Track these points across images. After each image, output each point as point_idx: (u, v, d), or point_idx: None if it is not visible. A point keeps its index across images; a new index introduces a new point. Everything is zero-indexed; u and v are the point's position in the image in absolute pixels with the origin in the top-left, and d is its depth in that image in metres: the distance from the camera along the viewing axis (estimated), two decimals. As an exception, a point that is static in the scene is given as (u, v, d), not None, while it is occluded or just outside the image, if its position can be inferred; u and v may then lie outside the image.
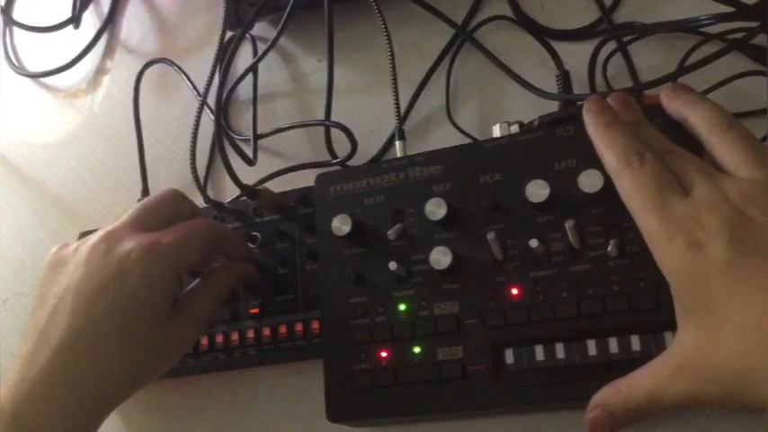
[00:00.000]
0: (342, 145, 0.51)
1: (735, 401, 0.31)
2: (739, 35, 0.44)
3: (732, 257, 0.31)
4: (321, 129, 0.53)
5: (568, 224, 0.38)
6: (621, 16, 0.50)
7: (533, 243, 0.39)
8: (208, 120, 0.57)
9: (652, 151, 0.35)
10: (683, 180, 0.34)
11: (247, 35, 0.60)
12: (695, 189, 0.34)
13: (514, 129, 0.45)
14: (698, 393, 0.32)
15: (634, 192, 0.34)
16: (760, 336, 0.30)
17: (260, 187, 0.50)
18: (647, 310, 0.36)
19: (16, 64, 0.73)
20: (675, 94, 0.38)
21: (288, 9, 0.51)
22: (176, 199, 0.45)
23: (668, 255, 0.33)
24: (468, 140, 0.50)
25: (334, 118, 0.51)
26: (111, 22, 0.70)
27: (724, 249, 0.31)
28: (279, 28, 0.52)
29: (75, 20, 0.69)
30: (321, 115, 0.51)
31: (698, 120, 0.36)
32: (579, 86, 0.48)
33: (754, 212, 0.32)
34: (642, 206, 0.34)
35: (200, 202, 0.52)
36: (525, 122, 0.46)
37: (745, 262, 0.31)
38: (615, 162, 0.35)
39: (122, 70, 0.67)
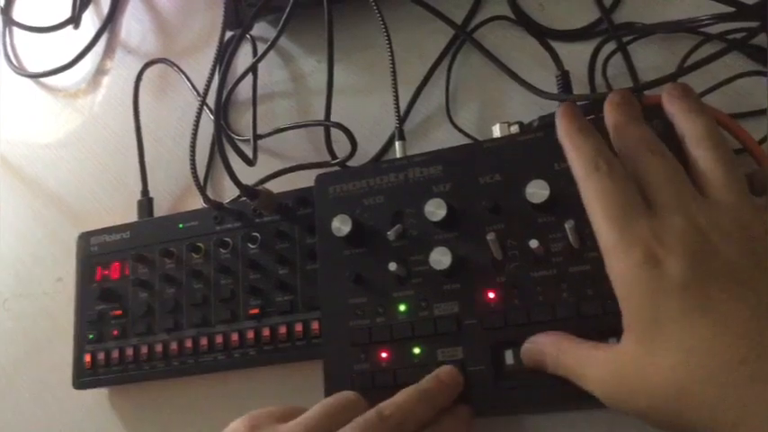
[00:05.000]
0: (341, 145, 0.51)
1: (666, 421, 0.31)
2: (739, 35, 0.44)
3: (688, 280, 0.31)
4: (321, 129, 0.53)
5: (568, 224, 0.38)
6: (621, 16, 0.50)
7: (533, 243, 0.39)
8: (207, 120, 0.57)
9: (622, 162, 0.35)
10: (656, 193, 0.34)
11: (247, 35, 0.60)
12: (664, 206, 0.33)
13: (514, 129, 0.45)
14: (621, 402, 0.33)
15: (598, 197, 0.34)
16: (703, 362, 0.30)
17: (260, 188, 0.50)
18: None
19: (16, 64, 0.73)
20: (674, 96, 0.38)
21: (287, 9, 0.51)
22: (355, 404, 0.39)
23: (622, 264, 0.33)
24: (468, 141, 0.50)
25: (333, 118, 0.51)
26: (110, 22, 0.70)
27: (682, 271, 0.31)
28: (278, 28, 0.52)
29: (74, 20, 0.69)
30: (321, 115, 0.51)
31: (687, 129, 0.36)
32: (579, 87, 0.48)
33: (717, 239, 0.32)
34: (603, 213, 0.34)
35: (199, 202, 0.52)
36: (525, 123, 0.46)
37: (700, 287, 0.31)
38: (582, 166, 0.35)
39: (122, 70, 0.67)
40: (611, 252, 0.34)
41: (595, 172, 0.35)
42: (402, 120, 0.50)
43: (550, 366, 0.36)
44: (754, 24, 0.43)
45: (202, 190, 0.50)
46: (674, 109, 0.38)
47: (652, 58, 0.48)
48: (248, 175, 0.51)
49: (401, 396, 0.38)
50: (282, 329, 0.48)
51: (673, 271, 0.31)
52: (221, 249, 0.51)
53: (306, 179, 0.49)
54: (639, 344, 0.32)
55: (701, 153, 0.35)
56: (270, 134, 0.55)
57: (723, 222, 0.32)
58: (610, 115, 0.38)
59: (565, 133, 0.37)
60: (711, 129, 0.36)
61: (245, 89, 0.59)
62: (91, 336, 0.54)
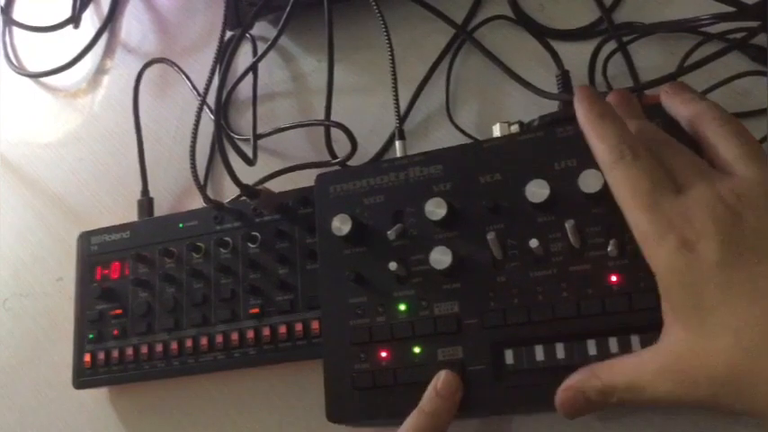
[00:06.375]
0: (342, 145, 0.51)
1: (727, 404, 0.31)
2: (739, 35, 0.44)
3: (724, 258, 0.31)
4: (321, 129, 0.53)
5: (568, 224, 0.38)
6: (621, 16, 0.50)
7: (533, 243, 0.39)
8: (208, 119, 0.57)
9: (645, 146, 0.35)
10: (677, 177, 0.34)
11: (247, 35, 0.60)
12: (689, 187, 0.33)
13: (514, 128, 0.45)
14: (684, 394, 0.32)
15: (626, 186, 0.34)
16: (754, 338, 0.30)
17: (260, 187, 0.50)
18: (647, 310, 0.36)
19: (16, 64, 0.73)
20: (674, 90, 0.38)
21: (288, 9, 0.51)
22: None
23: (659, 253, 0.33)
24: (468, 140, 0.50)
25: (334, 118, 0.51)
26: (110, 21, 0.70)
27: (716, 250, 0.31)
28: (279, 28, 0.52)
29: (74, 20, 0.69)
30: (321, 115, 0.51)
31: (695, 115, 0.36)
32: (579, 86, 0.48)
33: (747, 213, 0.32)
34: (633, 202, 0.34)
35: (200, 202, 0.52)
36: (525, 122, 0.46)
37: (737, 263, 0.31)
38: (607, 155, 0.35)
39: (122, 70, 0.67)
40: (645, 241, 0.33)
41: (621, 160, 0.34)
42: (402, 119, 0.50)
43: (600, 402, 0.34)
44: (754, 24, 0.43)
45: (202, 190, 0.50)
46: (674, 103, 0.37)
47: (652, 58, 0.48)
48: (248, 175, 0.51)
49: (408, 426, 0.38)
50: (282, 329, 0.48)
51: (708, 252, 0.31)
52: (221, 249, 0.51)
53: (306, 179, 0.49)
54: (689, 332, 0.32)
55: (713, 133, 0.35)
56: (270, 134, 0.55)
57: (749, 194, 0.32)
58: None
59: (586, 120, 0.37)
60: (716, 107, 0.36)
61: (245, 89, 0.59)
62: (91, 335, 0.54)
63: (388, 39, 0.50)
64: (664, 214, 0.33)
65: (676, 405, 0.33)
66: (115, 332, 0.53)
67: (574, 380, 0.35)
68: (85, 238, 0.56)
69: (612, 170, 0.35)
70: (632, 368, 0.34)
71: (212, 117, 0.57)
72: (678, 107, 0.37)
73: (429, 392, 0.39)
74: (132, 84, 0.62)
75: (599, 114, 0.36)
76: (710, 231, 0.31)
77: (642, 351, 0.34)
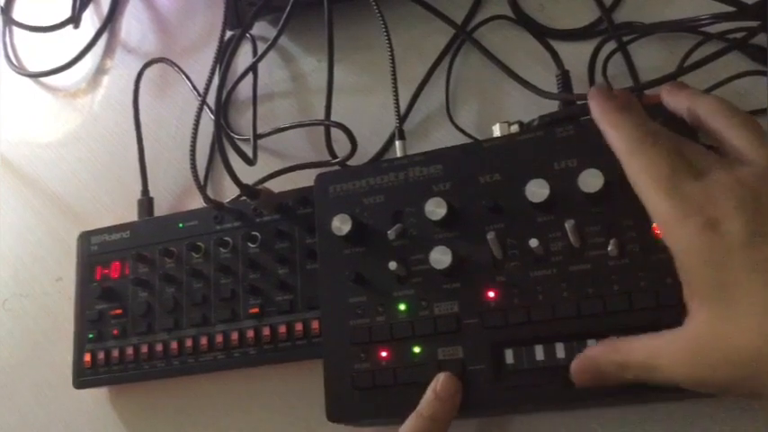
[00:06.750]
0: (342, 145, 0.51)
1: (747, 386, 0.31)
2: (739, 35, 0.44)
3: (749, 238, 0.31)
4: (321, 128, 0.53)
5: (568, 224, 0.38)
6: (621, 16, 0.50)
7: (533, 243, 0.39)
8: (208, 119, 0.57)
9: (663, 132, 0.35)
10: (696, 164, 0.34)
11: (247, 35, 0.60)
12: (708, 172, 0.33)
13: (514, 128, 0.45)
14: (700, 377, 0.31)
15: (646, 171, 0.34)
16: None
17: (260, 187, 0.50)
18: (648, 310, 0.36)
19: (16, 64, 0.73)
20: (676, 88, 0.38)
21: (288, 9, 0.51)
22: None
23: (681, 234, 0.32)
24: (468, 140, 0.50)
25: (334, 118, 0.51)
26: (110, 21, 0.70)
27: (741, 230, 0.31)
28: (279, 28, 0.52)
29: (74, 20, 0.69)
30: (321, 115, 0.51)
31: (701, 108, 0.36)
32: (579, 86, 0.48)
33: (766, 191, 0.31)
34: (654, 186, 0.33)
35: (199, 201, 0.52)
36: (525, 122, 0.46)
37: (760, 244, 0.30)
38: (625, 142, 0.35)
39: (122, 70, 0.67)
40: (667, 224, 0.33)
41: (640, 146, 0.34)
42: (402, 119, 0.50)
43: (615, 374, 0.34)
44: (753, 24, 0.43)
45: (202, 189, 0.50)
46: (679, 99, 0.37)
47: (652, 58, 0.48)
48: (248, 175, 0.51)
49: (406, 429, 0.38)
50: (282, 329, 0.48)
51: (732, 231, 0.31)
52: (221, 249, 0.51)
53: (306, 179, 0.49)
54: (712, 313, 0.31)
55: (721, 124, 0.35)
56: (270, 134, 0.55)
57: (766, 177, 0.32)
58: None
59: (601, 113, 0.37)
60: (721, 101, 0.36)
61: (245, 89, 0.59)
62: (91, 335, 0.54)
63: (388, 39, 0.50)
64: (685, 196, 0.32)
65: (692, 388, 0.32)
66: (115, 332, 0.53)
67: (593, 350, 0.36)
68: (85, 237, 0.56)
69: (632, 156, 0.34)
70: (651, 347, 0.33)
71: (212, 117, 0.57)
72: (683, 102, 0.37)
73: (428, 395, 0.39)
74: (132, 84, 0.62)
75: (614, 106, 0.36)
76: (734, 211, 0.31)
77: (665, 332, 0.33)
